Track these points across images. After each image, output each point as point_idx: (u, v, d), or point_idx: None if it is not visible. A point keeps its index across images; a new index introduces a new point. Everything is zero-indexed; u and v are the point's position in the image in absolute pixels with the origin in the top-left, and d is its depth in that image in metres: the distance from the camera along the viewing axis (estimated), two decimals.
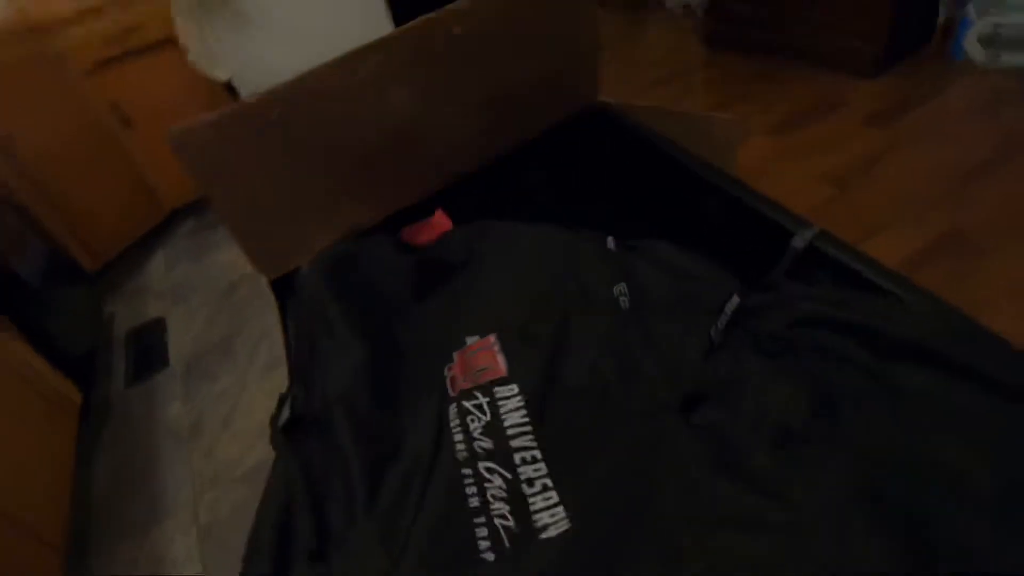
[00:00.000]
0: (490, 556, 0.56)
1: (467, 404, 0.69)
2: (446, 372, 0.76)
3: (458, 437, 0.66)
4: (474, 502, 0.60)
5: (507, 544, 0.57)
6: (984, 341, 0.63)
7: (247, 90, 1.69)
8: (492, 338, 0.76)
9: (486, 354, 0.74)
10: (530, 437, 0.64)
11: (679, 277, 0.80)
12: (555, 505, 0.59)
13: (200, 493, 1.19)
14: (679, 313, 0.75)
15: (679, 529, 0.54)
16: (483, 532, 0.58)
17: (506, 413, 0.66)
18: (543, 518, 0.58)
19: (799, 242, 0.81)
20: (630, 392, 0.67)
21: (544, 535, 0.57)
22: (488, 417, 0.67)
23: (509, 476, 0.61)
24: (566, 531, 0.56)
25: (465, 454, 0.64)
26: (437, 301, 0.88)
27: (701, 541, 0.53)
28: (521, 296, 0.80)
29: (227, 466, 1.21)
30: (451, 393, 0.72)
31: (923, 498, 0.51)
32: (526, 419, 0.65)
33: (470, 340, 0.77)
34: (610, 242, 0.88)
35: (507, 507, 0.59)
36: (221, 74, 1.68)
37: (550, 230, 0.91)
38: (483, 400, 0.68)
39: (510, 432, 0.65)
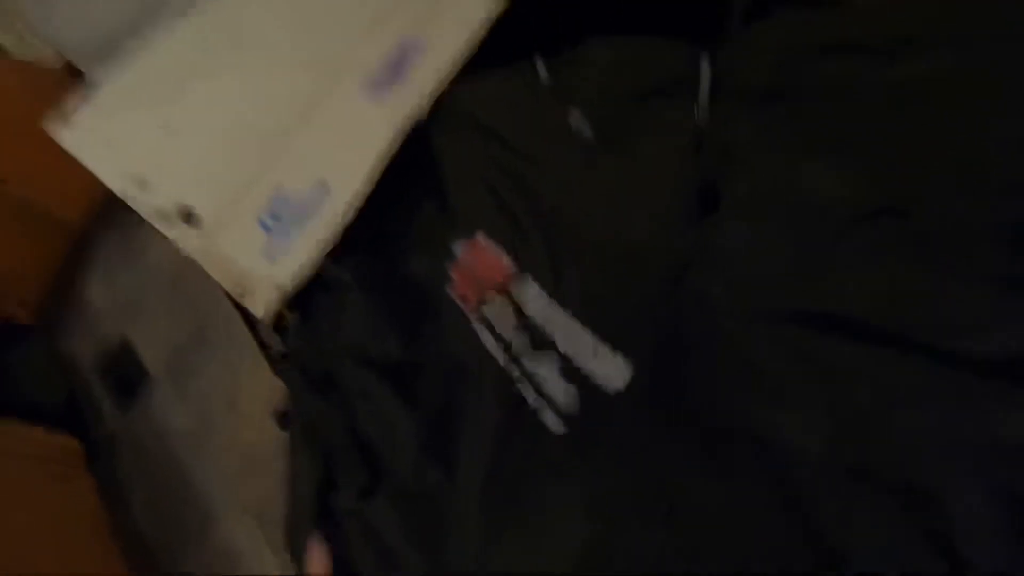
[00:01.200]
0: (561, 429, 0.54)
1: (487, 313, 0.63)
2: (451, 293, 0.68)
3: (490, 345, 0.62)
4: (531, 397, 0.57)
5: (577, 413, 0.55)
6: None
7: (84, 59, 1.46)
8: (480, 238, 0.68)
9: (483, 257, 0.67)
10: (562, 316, 0.59)
11: (630, 72, 0.69)
12: (611, 359, 0.55)
13: (239, 484, 1.17)
14: (650, 111, 0.65)
15: (740, 328, 0.50)
16: (549, 416, 0.56)
17: (531, 305, 0.61)
18: (607, 374, 0.55)
19: None
20: (634, 225, 0.60)
21: (611, 388, 0.54)
22: (514, 316, 0.61)
23: (558, 358, 0.57)
24: (631, 377, 0.53)
25: (505, 357, 0.60)
26: (414, 217, 0.78)
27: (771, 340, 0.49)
28: (483, 178, 0.71)
29: (252, 449, 1.18)
30: (468, 311, 0.66)
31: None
32: (552, 303, 0.60)
33: (458, 248, 0.70)
34: (541, 69, 0.75)
35: (567, 385, 0.56)
36: (51, 58, 1.46)
37: (483, 88, 0.78)
38: (502, 302, 0.63)
39: (540, 320, 0.60)
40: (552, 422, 0.55)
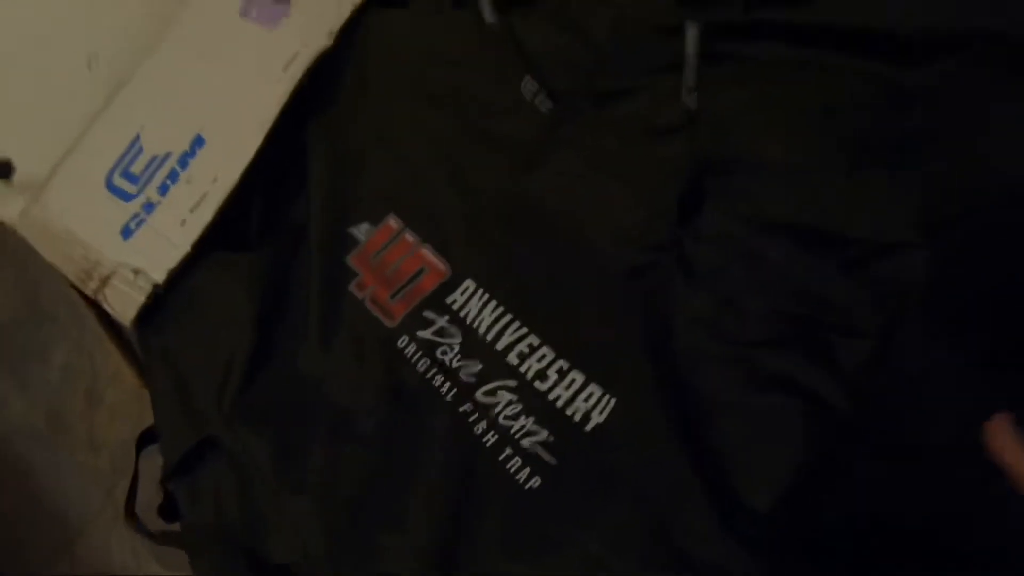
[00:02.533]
0: (536, 482, 0.47)
1: (427, 335, 0.52)
2: (356, 293, 0.54)
3: (438, 380, 0.51)
4: (491, 438, 0.48)
5: (552, 459, 0.47)
6: None
7: None
8: (393, 223, 0.54)
9: (401, 250, 0.54)
10: (515, 325, 0.50)
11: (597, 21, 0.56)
12: (584, 386, 0.48)
13: (110, 489, 0.98)
14: (622, 79, 0.53)
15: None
16: (516, 463, 0.47)
17: (476, 317, 0.51)
18: (578, 407, 0.47)
19: None
20: (603, 223, 0.51)
21: (590, 425, 0.47)
22: (460, 336, 0.51)
23: (514, 383, 0.49)
24: (615, 407, 0.47)
25: (454, 391, 0.50)
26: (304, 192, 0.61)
27: None
28: (404, 144, 0.58)
29: (123, 448, 0.99)
30: (389, 323, 0.53)
31: None
32: (500, 309, 0.51)
33: (361, 233, 0.55)
34: (485, 7, 0.59)
35: (529, 419, 0.48)
36: None
37: (405, 23, 0.61)
38: (442, 321, 0.51)
39: (491, 335, 0.50)
40: (519, 471, 0.47)
